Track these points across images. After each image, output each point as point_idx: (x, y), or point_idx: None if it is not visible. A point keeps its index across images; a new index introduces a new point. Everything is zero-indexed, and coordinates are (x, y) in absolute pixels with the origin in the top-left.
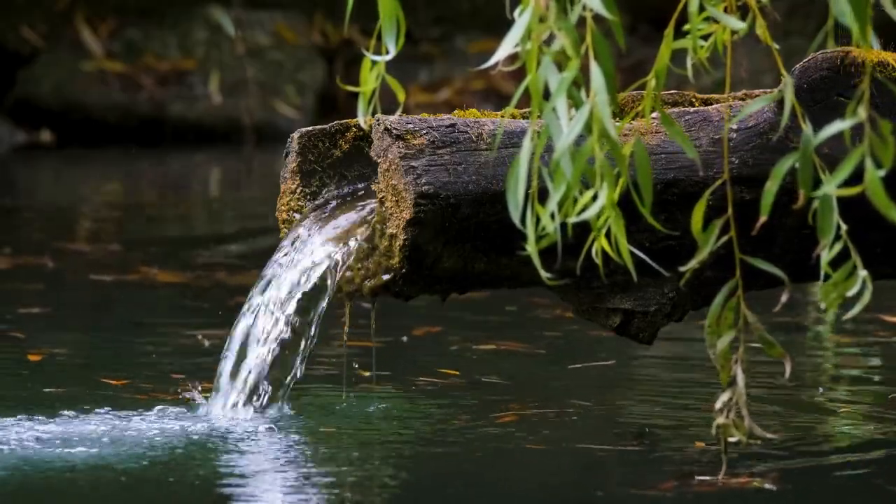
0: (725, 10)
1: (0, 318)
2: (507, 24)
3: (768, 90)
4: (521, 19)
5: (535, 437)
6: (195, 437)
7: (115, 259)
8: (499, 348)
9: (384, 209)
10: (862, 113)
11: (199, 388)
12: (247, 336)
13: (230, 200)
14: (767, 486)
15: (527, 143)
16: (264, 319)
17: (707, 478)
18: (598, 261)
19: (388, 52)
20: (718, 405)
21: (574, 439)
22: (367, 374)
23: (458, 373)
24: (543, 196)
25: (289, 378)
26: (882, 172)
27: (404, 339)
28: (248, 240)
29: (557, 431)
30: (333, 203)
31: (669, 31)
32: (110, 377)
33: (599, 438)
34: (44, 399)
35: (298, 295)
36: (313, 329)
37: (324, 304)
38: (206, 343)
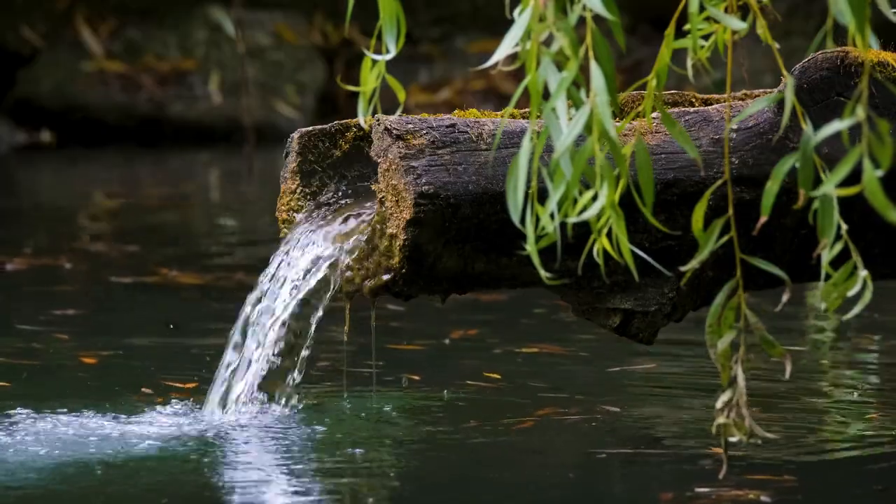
0: (726, 10)
1: (35, 319)
2: (508, 24)
3: (768, 90)
4: (521, 19)
5: (549, 441)
6: (204, 435)
7: (130, 260)
8: (541, 351)
9: (384, 209)
10: (860, 113)
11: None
12: (248, 336)
13: (232, 200)
14: (764, 498)
15: (526, 144)
16: (266, 319)
17: (705, 489)
18: (600, 261)
19: (388, 52)
20: (719, 405)
21: (588, 444)
22: (416, 377)
23: (500, 376)
24: (543, 196)
25: (291, 377)
26: (880, 172)
27: (446, 341)
28: (253, 241)
29: (574, 436)
30: (333, 203)
31: (670, 30)
32: (176, 380)
33: (614, 444)
34: (118, 401)
35: (299, 295)
36: (313, 329)
37: (324, 303)
38: None
